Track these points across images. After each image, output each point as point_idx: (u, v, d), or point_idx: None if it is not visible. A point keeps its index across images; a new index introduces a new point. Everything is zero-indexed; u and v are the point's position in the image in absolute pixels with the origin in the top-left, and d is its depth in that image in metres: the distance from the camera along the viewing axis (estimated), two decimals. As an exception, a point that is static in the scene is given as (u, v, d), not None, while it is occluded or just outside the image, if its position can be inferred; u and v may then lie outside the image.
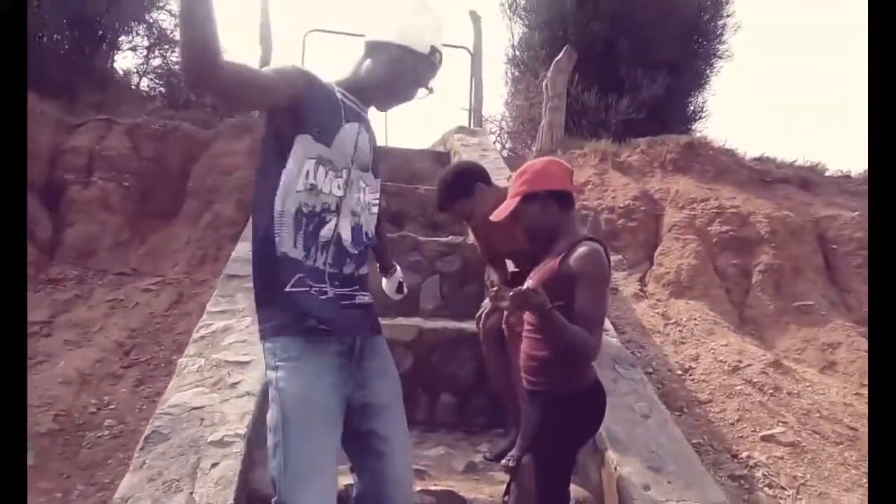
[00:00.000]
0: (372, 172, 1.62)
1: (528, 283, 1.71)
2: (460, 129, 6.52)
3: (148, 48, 7.28)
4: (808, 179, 6.17)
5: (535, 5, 8.69)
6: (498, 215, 1.84)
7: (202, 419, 2.04)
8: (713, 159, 5.99)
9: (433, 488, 2.08)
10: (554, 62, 7.01)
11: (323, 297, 1.47)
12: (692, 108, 8.56)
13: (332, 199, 1.50)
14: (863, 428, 3.33)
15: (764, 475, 2.81)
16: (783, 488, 2.75)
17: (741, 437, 3.12)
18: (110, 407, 2.77)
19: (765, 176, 6.09)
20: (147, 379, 2.99)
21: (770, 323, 4.52)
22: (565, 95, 7.11)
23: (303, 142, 1.47)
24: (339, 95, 1.55)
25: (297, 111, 1.45)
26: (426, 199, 4.85)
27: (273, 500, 1.39)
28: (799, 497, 2.68)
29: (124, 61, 11.89)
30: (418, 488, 2.04)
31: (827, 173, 6.45)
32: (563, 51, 6.98)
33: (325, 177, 1.48)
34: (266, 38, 6.99)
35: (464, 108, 7.60)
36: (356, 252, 1.54)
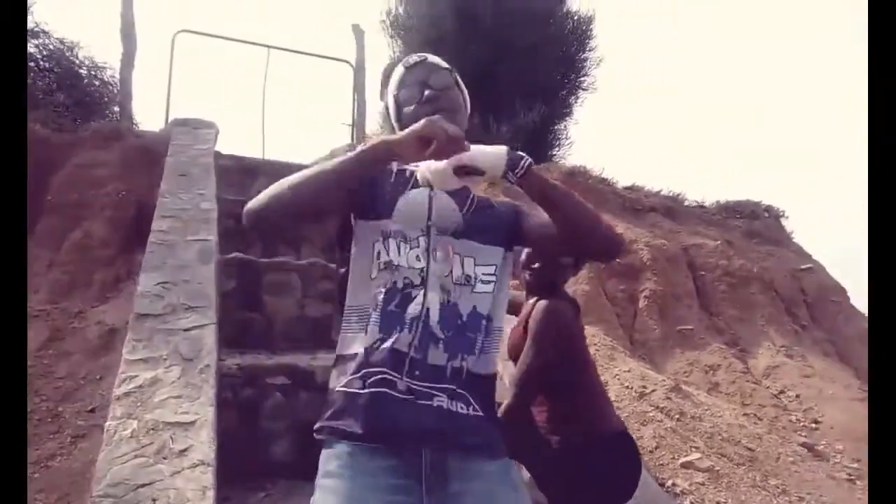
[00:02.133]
0: (474, 239, 1.34)
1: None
2: (352, 148, 6.32)
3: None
4: (672, 209, 6.71)
5: (415, 23, 8.70)
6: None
7: (154, 500, 1.72)
8: (592, 188, 6.32)
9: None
10: (439, 84, 7.06)
11: (383, 389, 1.21)
12: (559, 136, 9.00)
13: (413, 272, 1.28)
14: (758, 448, 3.62)
15: (691, 503, 2.95)
16: (710, 514, 2.90)
17: (661, 464, 3.26)
18: (-10, 478, 2.27)
19: (636, 204, 6.53)
20: (32, 439, 2.49)
21: (657, 347, 4.82)
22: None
23: (361, 228, 1.34)
24: (405, 170, 1.41)
25: (351, 201, 1.34)
26: (323, 220, 4.62)
27: None
28: (726, 523, 2.84)
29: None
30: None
31: (686, 203, 7.05)
32: (447, 73, 7.05)
33: (399, 250, 1.30)
34: (129, 35, 6.33)
35: (346, 123, 7.39)
36: (445, 337, 1.25)
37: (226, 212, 3.88)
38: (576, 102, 9.47)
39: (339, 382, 1.26)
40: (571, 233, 1.29)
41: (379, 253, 1.30)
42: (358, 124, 7.55)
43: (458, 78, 1.47)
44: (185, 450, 1.91)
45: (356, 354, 1.25)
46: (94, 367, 3.01)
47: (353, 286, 1.33)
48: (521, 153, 1.24)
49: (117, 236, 4.24)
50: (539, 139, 8.14)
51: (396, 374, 1.21)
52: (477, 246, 1.34)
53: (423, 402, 1.21)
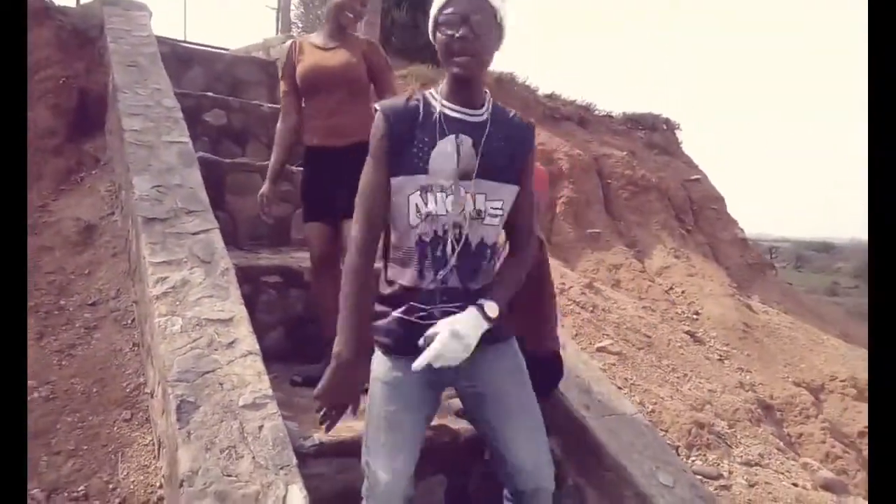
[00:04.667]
0: (488, 178, 1.58)
1: None
2: (284, 41, 6.23)
3: None
4: (584, 118, 7.23)
5: None
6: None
7: (221, 383, 2.06)
8: (517, 95, 6.68)
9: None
10: (370, -26, 6.95)
11: (421, 319, 1.56)
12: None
13: (447, 217, 1.55)
14: (654, 335, 4.40)
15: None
16: (620, 388, 3.61)
17: (581, 349, 3.93)
18: (22, 365, 2.48)
19: (554, 113, 6.99)
20: (47, 331, 2.68)
21: (571, 248, 5.47)
22: (380, 11, 7.15)
23: (398, 183, 1.56)
24: (432, 113, 1.58)
25: (389, 161, 1.57)
26: (269, 117, 4.72)
27: None
28: (633, 394, 3.57)
29: None
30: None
31: (596, 112, 7.60)
32: (379, -37, 6.93)
33: (436, 201, 1.54)
34: None
35: (271, 6, 7.18)
36: (458, 265, 1.57)
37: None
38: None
39: (396, 308, 1.61)
40: None
41: (417, 205, 1.54)
42: (283, 7, 7.34)
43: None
44: (231, 342, 2.24)
45: (405, 288, 1.59)
46: (80, 263, 3.16)
47: (395, 229, 1.61)
48: (488, 308, 1.55)
49: (62, 125, 4.18)
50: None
51: (431, 306, 1.57)
52: (490, 184, 1.58)
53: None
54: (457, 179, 1.55)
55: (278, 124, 2.99)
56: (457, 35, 1.50)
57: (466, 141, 1.58)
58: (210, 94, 4.80)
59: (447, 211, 1.55)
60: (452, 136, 1.57)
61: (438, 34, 1.56)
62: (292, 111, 2.93)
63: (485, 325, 1.54)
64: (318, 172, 2.85)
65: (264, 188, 2.98)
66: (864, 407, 4.52)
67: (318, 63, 2.80)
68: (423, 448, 1.70)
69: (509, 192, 1.62)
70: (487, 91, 1.66)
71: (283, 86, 2.94)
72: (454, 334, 1.50)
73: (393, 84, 2.98)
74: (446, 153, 1.56)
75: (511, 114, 1.68)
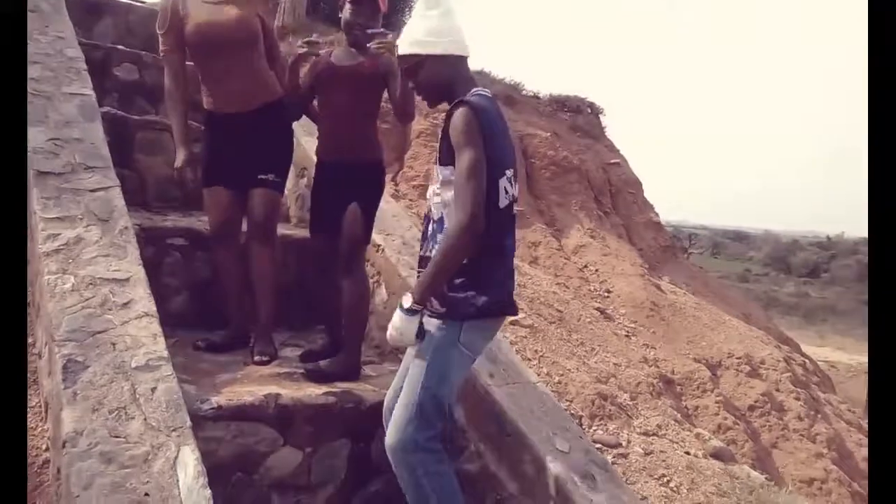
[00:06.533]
0: (439, 162, 1.90)
1: None
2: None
3: None
4: (511, 97, 7.28)
5: None
6: None
7: (113, 343, 1.98)
8: (445, 69, 6.67)
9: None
10: (298, -65, 6.74)
11: None
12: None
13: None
14: (565, 311, 4.52)
15: (516, 351, 3.73)
16: (529, 359, 3.71)
17: (494, 321, 4.01)
18: None
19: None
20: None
21: (492, 223, 5.54)
22: (308, -26, 6.96)
23: None
24: None
25: None
26: (185, 75, 4.54)
27: None
28: (541, 366, 3.67)
29: None
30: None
31: (524, 92, 7.68)
32: (306, -76, 6.73)
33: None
34: None
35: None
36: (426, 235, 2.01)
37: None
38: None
39: None
40: None
41: None
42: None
43: None
44: (127, 303, 2.16)
45: None
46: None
47: None
48: (405, 300, 1.85)
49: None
50: (397, 8, 8.18)
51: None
52: (440, 168, 1.98)
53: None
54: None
55: (167, 87, 2.84)
56: None
57: None
58: (121, 47, 4.56)
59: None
60: None
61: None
62: (179, 71, 2.80)
63: (404, 316, 1.84)
64: (219, 139, 2.76)
65: (181, 158, 2.80)
66: (756, 383, 4.82)
67: (210, 19, 2.63)
68: (326, 413, 2.06)
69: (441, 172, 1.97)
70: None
71: (163, 43, 2.76)
72: (392, 325, 1.88)
73: (279, 45, 2.93)
74: None
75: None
